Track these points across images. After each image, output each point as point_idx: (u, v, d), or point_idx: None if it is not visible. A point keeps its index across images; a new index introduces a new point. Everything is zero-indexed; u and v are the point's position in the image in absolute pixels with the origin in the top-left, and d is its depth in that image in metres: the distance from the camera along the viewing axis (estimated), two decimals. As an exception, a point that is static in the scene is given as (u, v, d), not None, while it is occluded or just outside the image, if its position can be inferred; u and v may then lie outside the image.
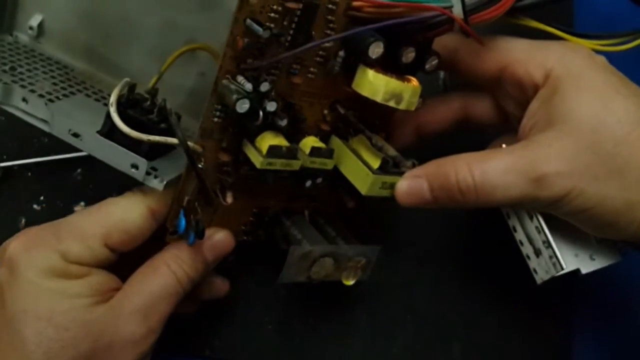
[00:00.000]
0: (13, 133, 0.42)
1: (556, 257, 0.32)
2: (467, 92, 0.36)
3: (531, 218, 0.33)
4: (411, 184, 0.31)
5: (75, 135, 0.31)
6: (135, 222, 0.30)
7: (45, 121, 0.33)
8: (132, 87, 0.31)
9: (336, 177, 0.33)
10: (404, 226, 0.40)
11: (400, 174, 0.31)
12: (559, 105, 0.30)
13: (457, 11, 0.30)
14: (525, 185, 0.29)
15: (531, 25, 0.34)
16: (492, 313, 0.39)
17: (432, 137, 0.36)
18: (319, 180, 0.33)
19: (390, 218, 0.36)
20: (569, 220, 0.31)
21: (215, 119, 0.30)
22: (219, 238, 0.33)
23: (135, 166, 0.30)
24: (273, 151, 0.29)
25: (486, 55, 0.33)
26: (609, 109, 0.30)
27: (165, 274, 0.30)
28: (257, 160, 0.30)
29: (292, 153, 0.30)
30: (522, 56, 0.32)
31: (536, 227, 0.33)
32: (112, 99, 0.30)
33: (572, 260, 0.33)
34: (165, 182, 0.30)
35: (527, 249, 0.34)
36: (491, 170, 0.29)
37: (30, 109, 0.33)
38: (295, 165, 0.30)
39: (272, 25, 0.29)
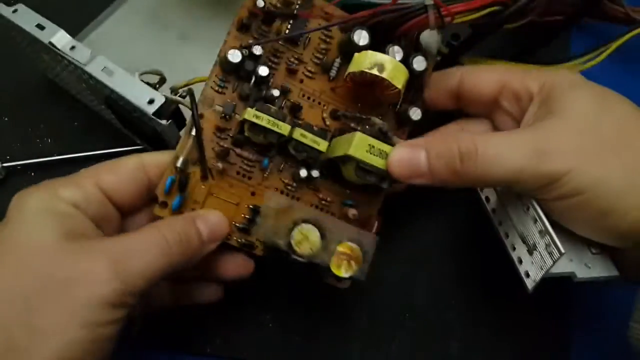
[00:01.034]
0: (16, 133, 0.42)
1: (554, 242, 0.31)
2: (464, 119, 0.37)
3: (527, 209, 0.32)
4: (408, 151, 0.31)
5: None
6: (126, 166, 0.31)
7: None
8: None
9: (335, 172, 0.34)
10: (403, 226, 0.41)
11: (393, 144, 0.31)
12: (558, 100, 0.31)
13: (430, 2, 0.32)
14: (528, 157, 0.29)
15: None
16: (491, 313, 0.40)
17: None
18: (315, 173, 0.33)
19: (390, 218, 0.36)
20: (559, 214, 0.31)
21: (217, 88, 0.33)
22: (212, 215, 0.32)
23: (151, 101, 0.34)
24: (262, 108, 0.32)
25: (487, 77, 0.35)
26: (606, 99, 0.31)
27: (153, 234, 0.29)
28: (248, 114, 0.32)
29: (280, 115, 0.32)
30: (519, 73, 0.34)
31: (532, 218, 0.32)
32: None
33: (566, 263, 0.32)
34: (169, 123, 0.34)
35: (519, 251, 0.33)
36: (495, 141, 0.30)
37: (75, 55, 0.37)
38: (284, 129, 0.32)
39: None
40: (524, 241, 0.33)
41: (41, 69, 0.45)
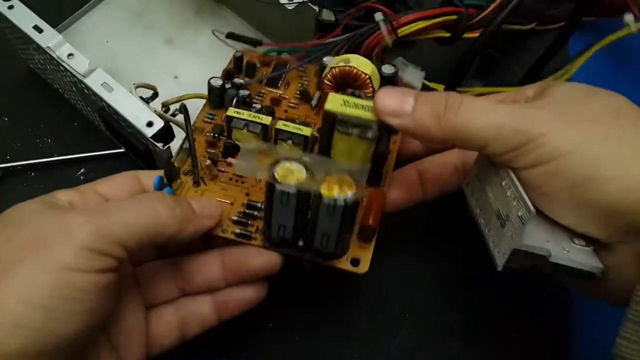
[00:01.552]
0: (16, 133, 0.42)
1: (524, 203, 0.28)
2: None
3: (503, 182, 0.30)
4: (398, 89, 0.31)
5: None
6: (122, 175, 0.32)
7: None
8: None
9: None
10: (403, 225, 0.41)
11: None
12: (547, 91, 0.31)
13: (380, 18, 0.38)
14: (509, 116, 0.29)
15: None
16: (491, 312, 0.39)
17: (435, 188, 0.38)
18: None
19: (390, 217, 0.36)
20: (536, 186, 0.29)
21: (206, 120, 0.37)
22: (203, 198, 0.33)
23: (150, 123, 0.35)
24: (242, 106, 0.35)
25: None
26: (598, 89, 0.31)
27: (138, 197, 0.30)
28: (230, 111, 0.34)
29: (260, 110, 0.35)
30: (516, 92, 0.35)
31: (506, 188, 0.30)
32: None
33: (542, 240, 0.30)
34: (167, 147, 0.36)
35: (492, 229, 0.31)
36: (480, 100, 0.30)
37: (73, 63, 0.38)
38: (265, 119, 0.33)
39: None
40: (499, 216, 0.31)
41: (25, 59, 0.44)
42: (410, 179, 0.37)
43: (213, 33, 0.39)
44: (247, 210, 0.33)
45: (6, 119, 0.43)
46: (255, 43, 0.41)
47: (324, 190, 0.28)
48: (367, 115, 0.30)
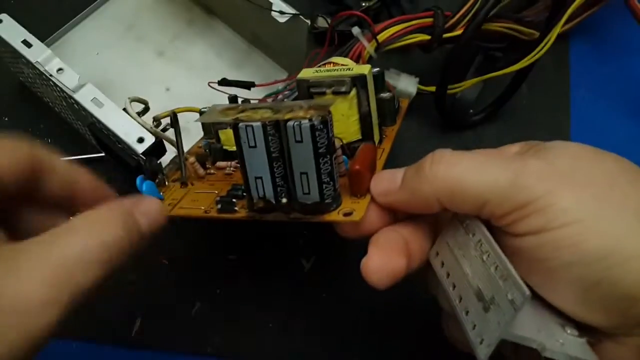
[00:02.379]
0: (16, 133, 0.42)
1: (515, 283, 0.23)
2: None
3: (487, 256, 0.25)
4: (387, 172, 0.29)
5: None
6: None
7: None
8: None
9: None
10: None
11: None
12: (542, 146, 0.27)
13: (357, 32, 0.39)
14: (503, 166, 0.25)
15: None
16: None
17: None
18: None
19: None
20: (537, 253, 0.24)
21: (200, 147, 0.37)
22: (152, 204, 0.27)
23: (141, 139, 0.35)
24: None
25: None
26: (599, 150, 0.26)
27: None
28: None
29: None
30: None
31: (491, 264, 0.25)
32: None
33: (533, 330, 0.24)
34: (160, 161, 0.35)
35: (471, 312, 0.25)
36: (471, 154, 0.27)
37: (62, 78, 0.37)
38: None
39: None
40: (480, 298, 0.25)
41: (15, 73, 0.44)
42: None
43: (209, 84, 0.40)
44: (231, 192, 0.32)
45: (6, 119, 0.43)
46: (248, 86, 0.41)
47: (288, 116, 0.27)
48: (339, 73, 0.31)
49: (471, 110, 0.44)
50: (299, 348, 0.38)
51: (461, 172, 0.25)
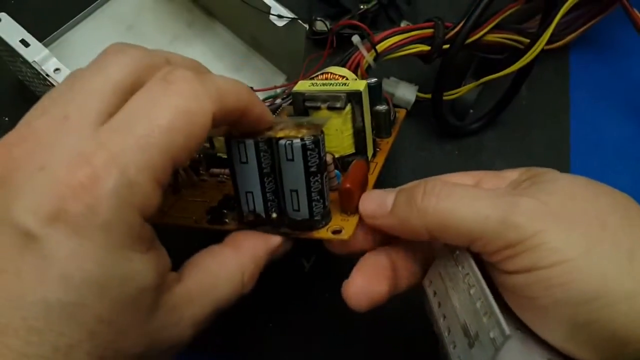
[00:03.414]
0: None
1: (497, 322, 0.23)
2: None
3: (468, 284, 0.25)
4: (377, 192, 0.29)
5: None
6: None
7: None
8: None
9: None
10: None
11: None
12: (538, 178, 0.27)
13: (357, 40, 0.38)
14: (493, 204, 0.25)
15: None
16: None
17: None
18: None
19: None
20: (527, 291, 0.24)
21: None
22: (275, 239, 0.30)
23: None
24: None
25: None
26: (599, 184, 0.26)
27: (235, 281, 0.28)
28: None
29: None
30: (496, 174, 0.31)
31: (473, 293, 0.25)
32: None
33: None
34: None
35: (458, 347, 0.26)
36: (461, 185, 0.27)
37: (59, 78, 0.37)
38: None
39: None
40: (466, 333, 0.25)
41: (14, 71, 0.44)
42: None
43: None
44: (222, 202, 0.32)
45: (6, 118, 0.42)
46: None
47: (278, 134, 0.27)
48: (334, 88, 0.31)
49: (471, 111, 0.44)
50: (299, 348, 0.38)
51: (452, 206, 0.25)
